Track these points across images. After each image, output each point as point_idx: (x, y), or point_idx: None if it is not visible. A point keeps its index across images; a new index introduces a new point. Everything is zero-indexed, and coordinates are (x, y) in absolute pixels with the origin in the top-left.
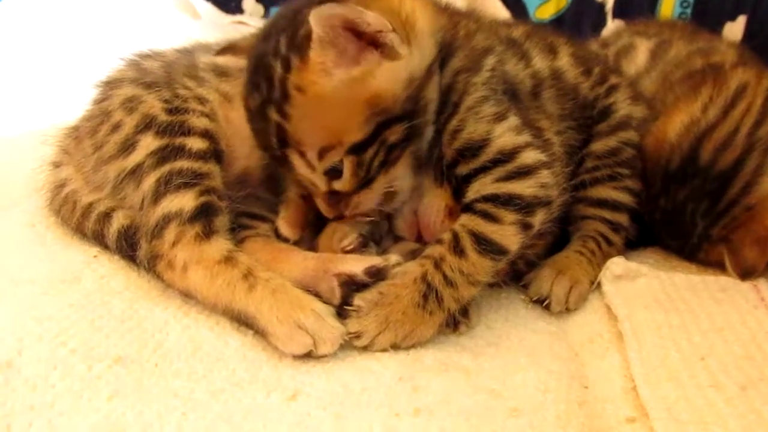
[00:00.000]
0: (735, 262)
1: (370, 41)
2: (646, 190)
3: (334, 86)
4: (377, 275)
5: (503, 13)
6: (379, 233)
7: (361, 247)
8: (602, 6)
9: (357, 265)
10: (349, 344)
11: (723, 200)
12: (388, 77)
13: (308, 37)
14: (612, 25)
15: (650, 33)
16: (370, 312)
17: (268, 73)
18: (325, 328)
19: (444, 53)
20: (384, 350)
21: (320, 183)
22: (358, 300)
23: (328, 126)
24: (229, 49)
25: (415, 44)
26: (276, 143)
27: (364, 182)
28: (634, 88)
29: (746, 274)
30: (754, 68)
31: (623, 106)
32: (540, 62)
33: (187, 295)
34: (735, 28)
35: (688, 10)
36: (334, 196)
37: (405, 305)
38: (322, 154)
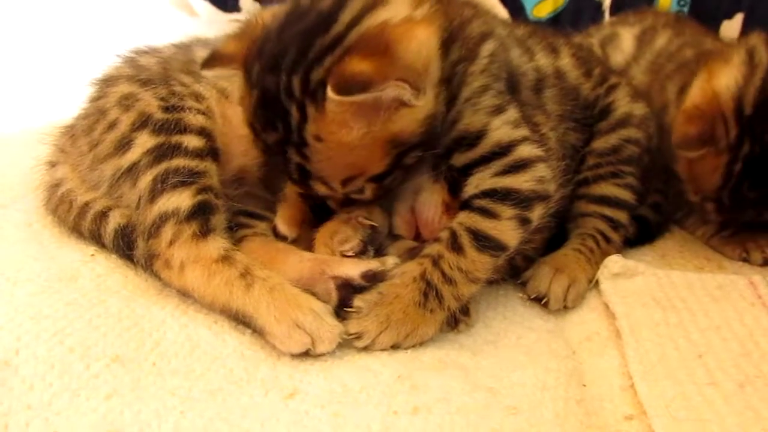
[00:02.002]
0: None
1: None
2: (713, 149)
3: (353, 136)
4: (374, 279)
5: (500, 10)
6: (379, 240)
7: (361, 254)
8: (599, 4)
9: (354, 269)
10: (348, 343)
11: None
12: (407, 120)
13: (323, 83)
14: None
15: (631, 21)
16: (370, 312)
17: (283, 115)
18: (323, 326)
19: (443, 47)
20: (385, 350)
21: (339, 196)
22: (358, 301)
23: (349, 164)
24: (214, 61)
25: (429, 83)
26: (297, 176)
27: (382, 195)
28: (632, 85)
29: None
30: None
31: (623, 104)
32: (543, 59)
33: (184, 294)
34: (732, 26)
35: (686, 8)
36: (348, 200)
37: (405, 304)
38: (345, 183)
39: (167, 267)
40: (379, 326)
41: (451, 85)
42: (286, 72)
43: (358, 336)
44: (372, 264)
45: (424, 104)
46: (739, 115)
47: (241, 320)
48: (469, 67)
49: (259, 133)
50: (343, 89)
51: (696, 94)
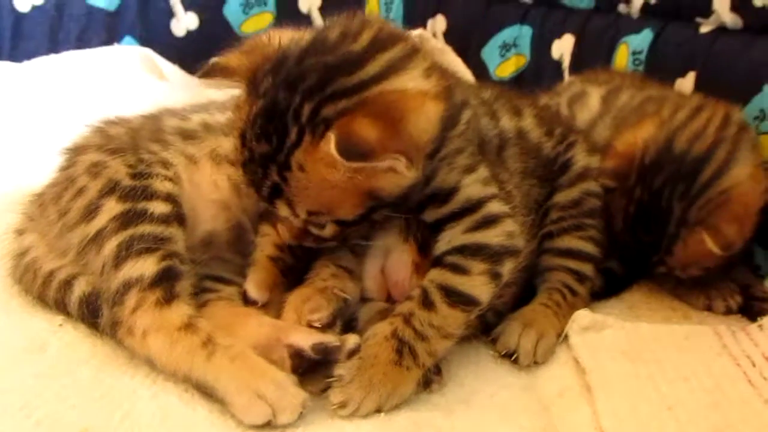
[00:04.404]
0: (716, 239)
1: None
2: (619, 189)
3: (335, 178)
4: (325, 353)
5: (464, 71)
6: (350, 311)
7: (328, 327)
8: (560, 63)
9: (306, 340)
10: (320, 406)
11: (698, 182)
12: (391, 183)
13: (327, 123)
14: (568, 81)
15: (600, 80)
16: (353, 379)
17: (282, 132)
18: (285, 397)
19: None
20: (369, 415)
21: (298, 224)
22: (339, 369)
23: (322, 200)
24: (213, 70)
25: (422, 156)
26: (267, 193)
27: (340, 239)
28: (590, 141)
29: (727, 248)
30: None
31: (581, 158)
32: (507, 122)
33: (148, 362)
34: (685, 84)
35: (641, 67)
36: (303, 232)
37: (384, 364)
38: (310, 214)
39: (130, 334)
40: (363, 391)
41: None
42: (301, 95)
43: (342, 405)
44: (327, 338)
45: (413, 175)
46: (640, 163)
47: (203, 390)
48: (449, 132)
49: (249, 142)
50: (344, 151)
51: (624, 137)
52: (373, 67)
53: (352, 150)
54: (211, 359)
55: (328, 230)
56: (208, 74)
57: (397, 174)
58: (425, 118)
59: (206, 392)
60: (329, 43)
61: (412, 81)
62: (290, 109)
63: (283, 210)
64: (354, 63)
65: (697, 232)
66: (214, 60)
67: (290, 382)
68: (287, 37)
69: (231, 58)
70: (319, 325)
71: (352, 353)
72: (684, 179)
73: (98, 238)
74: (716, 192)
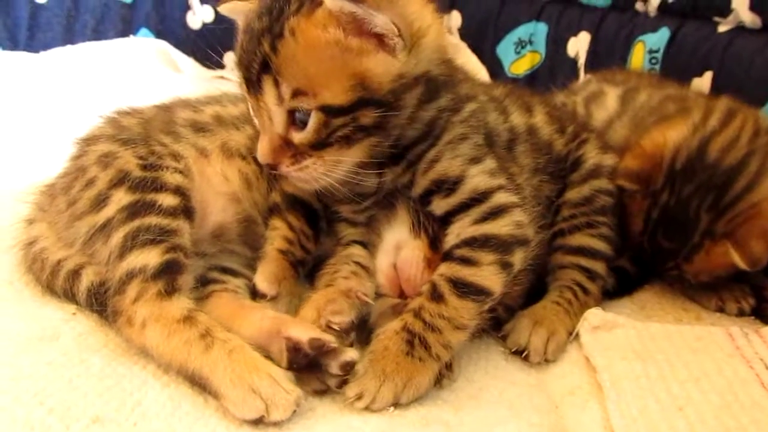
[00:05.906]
0: (742, 254)
1: (374, 34)
2: (641, 191)
3: (327, 41)
4: (321, 350)
5: (479, 68)
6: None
7: (345, 333)
8: (575, 61)
9: (305, 333)
10: (330, 400)
11: (729, 194)
12: (380, 65)
13: None
14: (584, 79)
15: (617, 80)
16: (367, 371)
17: (284, 4)
18: (278, 393)
19: (435, 89)
20: (387, 406)
21: (279, 122)
22: (356, 365)
23: (310, 75)
24: None
25: (415, 53)
26: (256, 67)
27: (319, 145)
28: (603, 139)
29: (754, 265)
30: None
31: (592, 156)
32: (517, 118)
33: (144, 353)
34: (702, 84)
35: (657, 66)
36: (283, 144)
37: (395, 354)
38: (295, 94)
39: (129, 324)
40: (377, 381)
41: (434, 127)
42: None
43: (358, 397)
44: (326, 336)
45: (403, 64)
46: (670, 167)
47: (197, 382)
48: (453, 117)
49: (251, 23)
50: None
51: (651, 136)
52: None
53: None
54: (208, 351)
55: (311, 125)
56: None
57: (386, 56)
58: (418, 9)
59: (199, 384)
60: None
61: None
62: None
63: (268, 93)
64: None
65: (722, 245)
66: None
67: (286, 378)
68: None
69: None
70: (338, 329)
71: (346, 365)
72: (715, 190)
73: (106, 228)
74: (746, 205)
